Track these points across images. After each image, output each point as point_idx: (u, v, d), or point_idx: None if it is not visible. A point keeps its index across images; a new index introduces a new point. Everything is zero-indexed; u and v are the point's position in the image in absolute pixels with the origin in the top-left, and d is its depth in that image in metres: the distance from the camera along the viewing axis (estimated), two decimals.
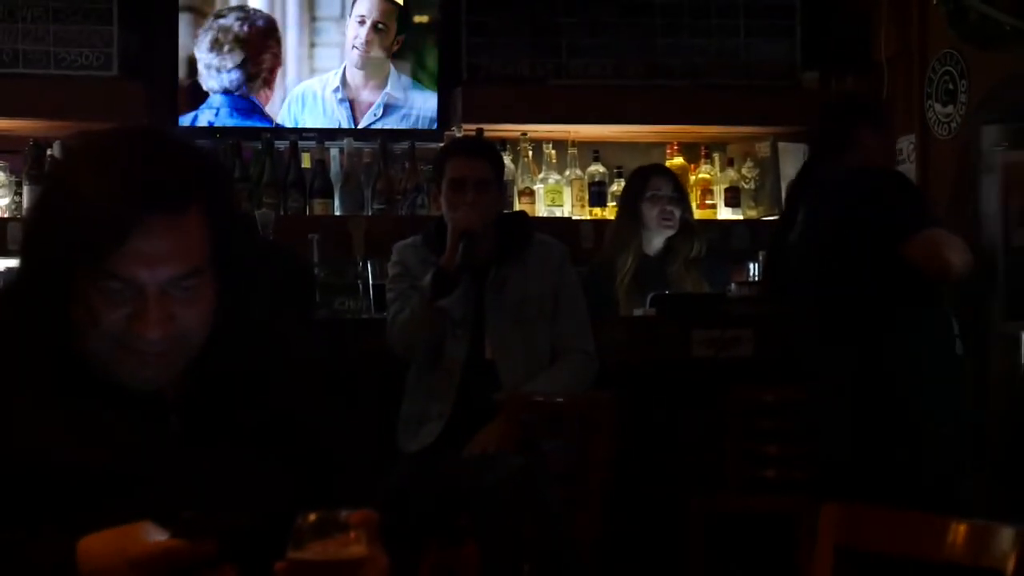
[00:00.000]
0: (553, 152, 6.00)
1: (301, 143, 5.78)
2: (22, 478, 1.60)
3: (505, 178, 5.85)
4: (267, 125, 5.77)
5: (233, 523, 1.45)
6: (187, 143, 1.73)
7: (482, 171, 4.11)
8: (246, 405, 1.73)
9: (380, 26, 5.85)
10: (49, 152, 5.36)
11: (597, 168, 6.02)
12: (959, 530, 1.77)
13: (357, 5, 5.84)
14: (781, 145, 6.17)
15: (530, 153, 5.97)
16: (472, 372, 4.07)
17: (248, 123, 5.77)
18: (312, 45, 5.86)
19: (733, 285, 5.23)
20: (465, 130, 5.78)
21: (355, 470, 1.83)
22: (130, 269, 1.61)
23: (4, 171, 5.62)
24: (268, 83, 5.81)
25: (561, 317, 4.18)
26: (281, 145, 5.73)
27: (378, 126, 5.83)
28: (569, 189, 5.98)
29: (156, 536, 1.46)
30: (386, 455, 4.04)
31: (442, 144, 5.70)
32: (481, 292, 4.13)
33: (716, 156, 6.19)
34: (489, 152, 4.29)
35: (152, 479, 1.57)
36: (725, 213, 6.08)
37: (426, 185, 5.64)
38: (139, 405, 1.67)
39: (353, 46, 5.82)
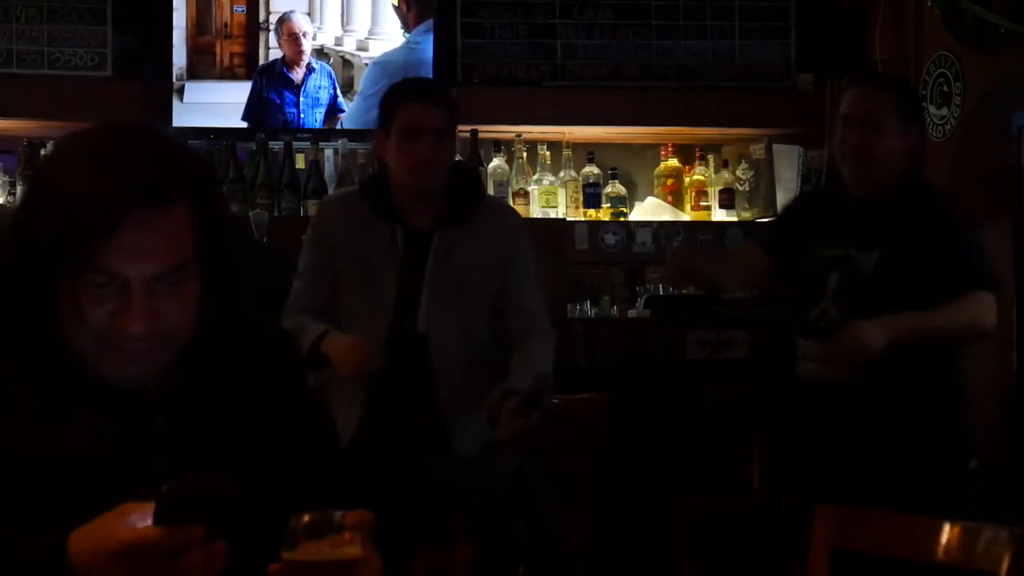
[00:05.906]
0: (548, 153, 6.00)
1: (296, 144, 5.77)
2: (6, 474, 1.60)
3: (500, 179, 5.87)
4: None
5: (215, 492, 1.43)
6: (174, 139, 1.73)
7: (439, 120, 3.68)
8: (232, 404, 1.73)
9: None
10: (43, 152, 5.35)
11: (592, 169, 6.02)
12: (953, 532, 1.77)
13: None
14: (776, 147, 6.16)
15: (524, 154, 5.97)
16: (399, 345, 3.68)
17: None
18: None
19: None
20: (459, 131, 5.76)
21: (341, 471, 1.83)
22: (116, 263, 1.60)
23: None
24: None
25: (514, 292, 3.77)
26: (275, 146, 5.73)
27: None
28: (563, 190, 5.97)
29: (142, 517, 1.45)
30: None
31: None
32: (423, 259, 3.71)
33: (711, 158, 6.19)
34: (446, 98, 3.88)
35: (137, 477, 1.56)
36: (719, 215, 6.08)
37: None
38: (125, 403, 1.67)
39: None
